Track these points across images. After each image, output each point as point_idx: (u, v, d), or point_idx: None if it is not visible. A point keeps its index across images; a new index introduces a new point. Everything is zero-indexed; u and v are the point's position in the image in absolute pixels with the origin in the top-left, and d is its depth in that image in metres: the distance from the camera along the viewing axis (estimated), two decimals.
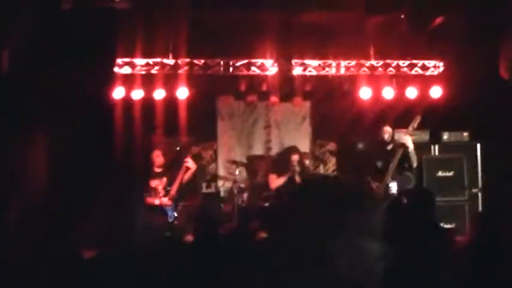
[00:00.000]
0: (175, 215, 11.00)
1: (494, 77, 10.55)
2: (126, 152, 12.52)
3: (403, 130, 11.02)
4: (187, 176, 11.25)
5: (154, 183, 11.00)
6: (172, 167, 11.37)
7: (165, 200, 10.82)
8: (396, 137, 11.50)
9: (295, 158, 11.87)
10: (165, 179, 11.07)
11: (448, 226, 11.14)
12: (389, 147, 10.76)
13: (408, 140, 10.28)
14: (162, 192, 10.92)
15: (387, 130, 10.83)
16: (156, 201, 10.78)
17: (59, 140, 11.38)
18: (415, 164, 10.33)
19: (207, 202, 12.55)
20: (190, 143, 13.34)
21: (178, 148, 12.89)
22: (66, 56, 11.29)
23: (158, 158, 11.20)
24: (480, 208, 11.93)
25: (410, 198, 7.61)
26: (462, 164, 11.91)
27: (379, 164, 10.56)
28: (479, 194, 11.95)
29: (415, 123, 10.48)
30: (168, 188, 10.98)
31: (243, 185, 12.79)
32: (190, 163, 11.22)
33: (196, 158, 12.82)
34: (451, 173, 11.86)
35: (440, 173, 11.84)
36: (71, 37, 11.19)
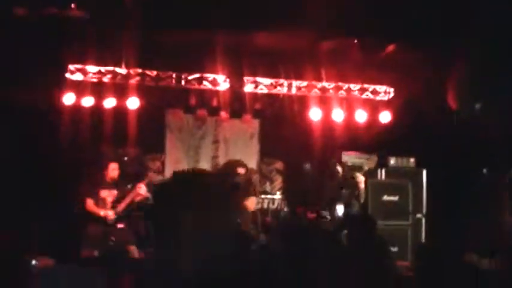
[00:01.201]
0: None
1: (442, 106, 10.74)
2: (73, 160, 12.46)
3: (352, 153, 11.16)
4: (136, 199, 11.10)
5: (104, 193, 10.87)
6: (123, 180, 11.25)
7: (110, 214, 10.70)
8: (345, 160, 11.69)
9: (241, 171, 11.89)
10: (115, 192, 10.96)
11: (391, 250, 11.27)
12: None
13: (360, 178, 10.40)
14: (109, 205, 10.80)
15: (339, 170, 10.93)
16: (101, 212, 10.66)
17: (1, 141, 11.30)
18: (362, 200, 10.46)
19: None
20: (138, 154, 13.31)
21: (126, 158, 12.85)
22: (18, 59, 11.25)
23: (114, 171, 11.05)
24: (423, 233, 12.10)
25: (354, 223, 7.77)
26: (407, 190, 12.05)
27: (329, 187, 10.66)
28: (423, 220, 12.12)
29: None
30: (116, 204, 10.86)
31: None
32: (143, 190, 11.07)
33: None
34: (396, 198, 11.99)
35: (385, 197, 11.95)
36: (24, 41, 11.17)
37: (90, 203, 10.70)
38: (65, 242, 10.36)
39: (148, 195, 11.12)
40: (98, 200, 10.78)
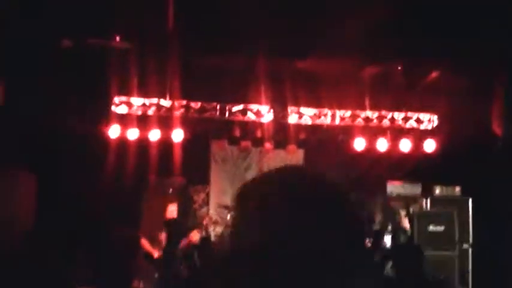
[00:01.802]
0: None
1: (487, 133, 10.61)
2: (120, 191, 12.54)
3: (397, 183, 11.06)
4: (186, 244, 11.06)
5: (162, 236, 10.90)
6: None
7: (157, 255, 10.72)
8: (390, 189, 11.58)
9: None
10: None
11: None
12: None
13: (402, 214, 10.30)
14: (162, 246, 10.81)
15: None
16: (156, 254, 10.69)
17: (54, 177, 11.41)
18: (405, 227, 10.33)
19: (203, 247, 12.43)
20: (184, 185, 13.34)
21: (170, 190, 12.89)
22: (65, 92, 11.41)
23: (172, 212, 11.08)
24: (470, 263, 11.89)
25: (401, 253, 7.67)
26: (453, 219, 11.87)
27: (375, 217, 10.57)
28: (470, 250, 11.92)
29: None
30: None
31: None
32: (195, 236, 11.06)
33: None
34: (442, 228, 11.81)
35: (431, 227, 11.78)
36: (69, 73, 11.34)
37: (145, 242, 10.72)
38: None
39: (198, 238, 11.11)
40: (154, 241, 10.79)
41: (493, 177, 11.73)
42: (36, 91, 11.03)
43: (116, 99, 13.16)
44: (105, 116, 12.99)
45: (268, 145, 14.01)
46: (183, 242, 10.88)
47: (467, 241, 11.95)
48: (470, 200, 12.16)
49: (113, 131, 13.00)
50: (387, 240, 11.20)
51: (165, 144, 13.29)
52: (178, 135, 13.23)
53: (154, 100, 13.31)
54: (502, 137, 10.10)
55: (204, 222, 12.01)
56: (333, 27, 10.24)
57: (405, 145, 13.56)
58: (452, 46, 10.47)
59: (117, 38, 11.29)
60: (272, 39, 10.77)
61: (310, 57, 11.78)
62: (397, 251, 8.56)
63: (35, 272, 5.01)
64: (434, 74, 11.85)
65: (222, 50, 11.51)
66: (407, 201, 10.58)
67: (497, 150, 11.63)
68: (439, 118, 13.64)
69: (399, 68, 12.12)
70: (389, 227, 10.76)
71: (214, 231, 13.65)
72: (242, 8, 9.84)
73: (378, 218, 10.37)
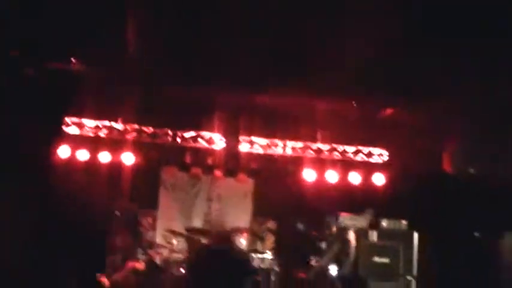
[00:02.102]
0: None
1: (436, 170, 10.82)
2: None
3: (347, 217, 11.19)
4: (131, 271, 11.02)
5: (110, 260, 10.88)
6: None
7: (105, 280, 10.63)
8: (339, 220, 11.71)
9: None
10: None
11: None
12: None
13: (350, 234, 10.37)
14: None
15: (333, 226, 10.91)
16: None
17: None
18: (351, 256, 10.40)
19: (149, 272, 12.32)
20: (132, 210, 13.30)
21: (118, 213, 12.85)
22: (17, 111, 11.33)
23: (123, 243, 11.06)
24: None
25: (345, 284, 7.79)
26: (399, 252, 12.00)
27: (320, 246, 10.64)
28: (413, 282, 12.06)
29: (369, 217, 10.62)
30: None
31: (180, 256, 12.78)
32: (140, 265, 11.03)
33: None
34: (387, 260, 11.94)
35: (376, 259, 11.89)
36: (23, 95, 11.26)
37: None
38: None
39: (142, 268, 11.06)
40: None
41: (438, 212, 11.96)
42: None
43: (68, 120, 13.08)
44: (56, 136, 12.91)
45: (218, 173, 14.06)
46: (127, 269, 10.85)
47: (411, 274, 12.09)
48: (415, 234, 12.33)
49: (63, 151, 12.93)
50: (332, 270, 11.28)
51: (115, 167, 13.27)
52: (129, 158, 13.23)
53: (107, 123, 13.26)
54: (452, 175, 10.32)
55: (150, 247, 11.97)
56: (290, 64, 10.39)
57: (355, 178, 13.75)
58: (407, 84, 10.68)
59: (73, 60, 11.27)
60: (231, 74, 10.87)
61: (266, 92, 11.91)
62: (342, 280, 8.68)
63: None
64: (388, 111, 12.07)
65: (181, 80, 11.57)
66: (355, 232, 10.68)
67: (443, 187, 11.87)
68: (389, 153, 13.85)
69: (353, 104, 12.32)
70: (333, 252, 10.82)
71: (160, 255, 13.62)
72: (201, 39, 9.94)
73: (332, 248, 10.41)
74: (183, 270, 12.06)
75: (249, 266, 8.20)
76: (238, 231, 13.12)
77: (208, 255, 4.86)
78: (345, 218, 11.89)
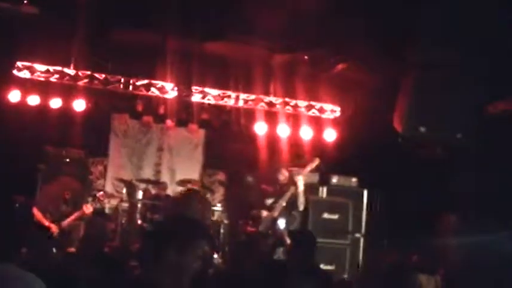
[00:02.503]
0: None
1: (387, 129, 10.84)
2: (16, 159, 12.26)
3: (296, 169, 11.16)
4: (80, 216, 10.92)
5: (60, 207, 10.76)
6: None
7: (53, 226, 10.51)
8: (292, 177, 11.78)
9: None
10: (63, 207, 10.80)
11: (328, 268, 11.31)
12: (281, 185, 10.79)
13: (300, 182, 10.34)
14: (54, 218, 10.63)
15: (284, 173, 10.86)
16: (46, 223, 10.49)
17: None
18: (301, 207, 10.38)
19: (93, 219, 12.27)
20: (81, 157, 13.14)
21: (67, 160, 12.69)
22: None
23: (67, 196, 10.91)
24: (361, 253, 12.18)
25: (294, 239, 7.79)
26: (348, 209, 12.09)
27: (269, 200, 10.63)
28: (362, 239, 12.20)
29: (313, 166, 10.60)
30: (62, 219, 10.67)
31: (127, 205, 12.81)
32: (88, 209, 10.90)
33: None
34: (336, 216, 12.01)
35: (325, 215, 11.95)
36: None
37: (37, 212, 10.52)
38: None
39: (90, 211, 10.96)
40: (46, 212, 10.61)
41: (387, 170, 12.05)
42: None
43: (19, 64, 12.81)
44: (7, 79, 12.67)
45: (169, 122, 13.97)
46: (76, 214, 10.75)
47: (359, 231, 12.22)
48: (365, 192, 12.44)
49: (14, 96, 12.71)
50: (281, 224, 11.33)
51: (66, 113, 13.08)
52: (80, 105, 13.04)
53: (59, 68, 13.01)
54: (401, 134, 10.34)
55: (99, 195, 11.85)
56: (246, 12, 10.28)
57: (306, 133, 13.76)
58: (361, 40, 10.66)
59: (25, 2, 11.01)
60: (184, 19, 10.72)
61: (219, 40, 11.79)
62: (291, 236, 8.70)
63: None
64: (340, 66, 12.04)
65: (132, 24, 11.39)
66: (305, 188, 10.66)
67: (394, 144, 11.93)
68: (341, 110, 13.87)
69: (306, 57, 12.26)
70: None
71: (109, 203, 13.57)
72: None
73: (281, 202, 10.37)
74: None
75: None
76: (189, 183, 13.11)
77: None
78: (295, 173, 11.91)
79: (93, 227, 10.31)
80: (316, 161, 10.59)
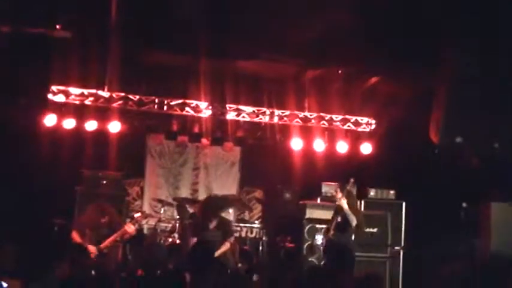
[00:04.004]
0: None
1: (424, 140, 10.77)
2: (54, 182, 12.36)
3: (333, 184, 11.18)
4: (121, 236, 10.85)
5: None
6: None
7: (92, 248, 10.46)
8: (324, 190, 11.77)
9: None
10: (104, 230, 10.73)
11: None
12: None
13: (343, 202, 10.26)
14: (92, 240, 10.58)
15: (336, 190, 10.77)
16: (85, 245, 10.47)
17: None
18: (354, 223, 10.26)
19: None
20: (118, 178, 13.15)
21: (104, 182, 12.73)
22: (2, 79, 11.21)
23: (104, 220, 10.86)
24: (401, 266, 12.07)
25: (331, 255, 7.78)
26: (386, 222, 12.03)
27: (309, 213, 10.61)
28: (401, 252, 12.10)
29: (349, 186, 10.51)
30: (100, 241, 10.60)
31: (168, 225, 12.76)
32: (130, 228, 10.83)
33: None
34: (375, 230, 11.95)
35: (364, 229, 11.88)
36: (8, 60, 11.15)
37: (75, 235, 10.52)
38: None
39: (133, 231, 10.88)
40: (84, 235, 10.56)
41: (426, 181, 11.96)
42: None
43: (54, 88, 12.92)
44: (42, 104, 12.79)
45: (205, 141, 13.96)
46: (116, 235, 10.72)
47: (399, 244, 12.13)
48: (403, 204, 12.34)
49: (49, 120, 12.81)
50: (318, 239, 11.29)
51: (101, 136, 13.15)
52: (115, 127, 13.10)
53: (93, 91, 13.10)
54: (438, 145, 10.27)
55: (137, 216, 11.83)
56: (277, 31, 10.32)
57: (342, 147, 13.69)
58: (394, 53, 10.63)
59: (58, 27, 11.14)
60: (216, 39, 10.78)
61: (252, 59, 11.83)
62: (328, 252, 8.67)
63: None
64: (374, 79, 12.00)
65: (164, 46, 11.48)
66: (349, 205, 10.57)
67: (431, 156, 11.84)
68: (377, 122, 13.77)
69: (339, 72, 12.25)
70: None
71: (147, 224, 13.57)
72: (188, 5, 9.83)
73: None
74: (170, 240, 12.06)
75: None
76: (229, 200, 13.05)
77: None
78: (332, 187, 11.86)
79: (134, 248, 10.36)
80: (351, 182, 10.49)
